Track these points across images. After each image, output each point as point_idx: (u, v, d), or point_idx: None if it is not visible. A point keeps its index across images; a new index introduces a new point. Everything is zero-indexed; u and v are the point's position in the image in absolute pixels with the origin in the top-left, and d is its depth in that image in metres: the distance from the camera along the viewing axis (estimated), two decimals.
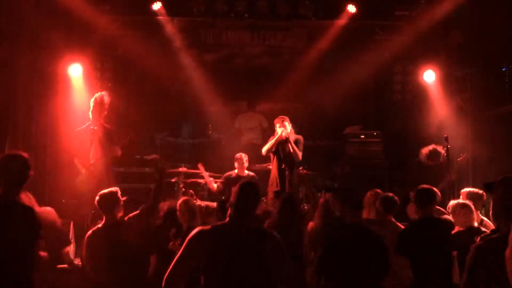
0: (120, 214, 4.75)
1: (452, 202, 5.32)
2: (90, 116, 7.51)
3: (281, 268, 3.35)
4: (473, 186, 6.87)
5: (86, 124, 7.54)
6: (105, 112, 7.62)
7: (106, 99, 7.57)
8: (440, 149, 7.87)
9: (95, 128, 7.51)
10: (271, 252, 3.31)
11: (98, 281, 4.53)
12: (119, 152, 7.60)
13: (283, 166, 7.89)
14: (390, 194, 5.40)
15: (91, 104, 7.55)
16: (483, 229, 5.04)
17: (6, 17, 7.34)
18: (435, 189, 5.05)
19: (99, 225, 4.72)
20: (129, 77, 10.74)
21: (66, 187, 8.43)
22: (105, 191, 4.78)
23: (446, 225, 4.93)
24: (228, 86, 10.87)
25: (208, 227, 3.38)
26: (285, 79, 10.72)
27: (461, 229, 5.10)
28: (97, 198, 4.74)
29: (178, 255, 3.31)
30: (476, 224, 5.16)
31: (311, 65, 10.72)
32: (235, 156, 8.60)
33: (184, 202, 5.64)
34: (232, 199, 3.49)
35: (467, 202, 5.25)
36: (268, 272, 3.28)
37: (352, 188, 4.86)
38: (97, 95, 7.59)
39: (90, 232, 4.69)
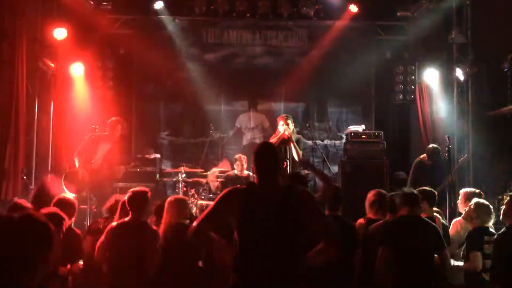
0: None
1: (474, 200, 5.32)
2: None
3: (316, 223, 3.32)
4: (474, 186, 6.89)
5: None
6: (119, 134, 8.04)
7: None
8: (439, 148, 7.90)
9: (97, 127, 7.62)
10: (302, 208, 3.28)
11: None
12: (121, 172, 8.05)
13: (284, 165, 7.88)
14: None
15: (114, 125, 7.94)
16: (492, 229, 5.07)
17: (8, 16, 7.34)
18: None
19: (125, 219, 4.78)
20: (130, 76, 10.74)
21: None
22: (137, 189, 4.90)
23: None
24: (229, 86, 10.86)
25: (238, 187, 3.50)
26: (286, 79, 10.71)
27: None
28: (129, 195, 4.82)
29: (208, 210, 3.38)
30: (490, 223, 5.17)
31: (312, 65, 10.71)
32: (235, 157, 8.64)
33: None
34: (253, 166, 3.49)
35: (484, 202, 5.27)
36: (302, 228, 3.26)
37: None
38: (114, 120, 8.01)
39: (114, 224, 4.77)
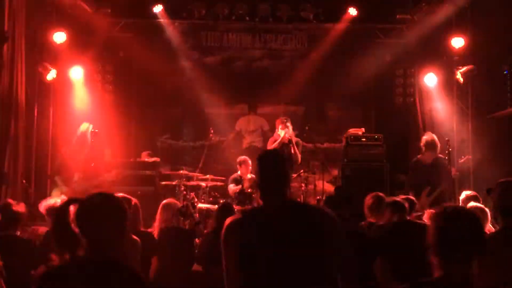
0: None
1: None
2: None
3: (335, 249, 2.64)
4: (474, 189, 6.86)
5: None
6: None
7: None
8: (436, 139, 7.80)
9: (96, 130, 7.56)
10: (318, 231, 2.61)
11: None
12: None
13: None
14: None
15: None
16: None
17: (8, 19, 7.33)
18: None
19: None
20: (130, 80, 10.75)
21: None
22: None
23: None
24: (229, 89, 10.87)
25: (239, 215, 2.77)
26: (286, 82, 10.71)
27: None
28: None
29: (223, 261, 2.72)
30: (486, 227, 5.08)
31: (312, 68, 10.72)
32: (241, 159, 8.62)
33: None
34: (256, 178, 2.90)
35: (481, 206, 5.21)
36: (316, 256, 2.58)
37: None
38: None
39: None
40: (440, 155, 7.89)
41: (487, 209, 5.12)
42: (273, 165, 2.83)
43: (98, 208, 2.45)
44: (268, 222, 2.65)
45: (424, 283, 2.33)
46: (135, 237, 4.48)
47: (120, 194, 4.63)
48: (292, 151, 7.91)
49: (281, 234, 2.60)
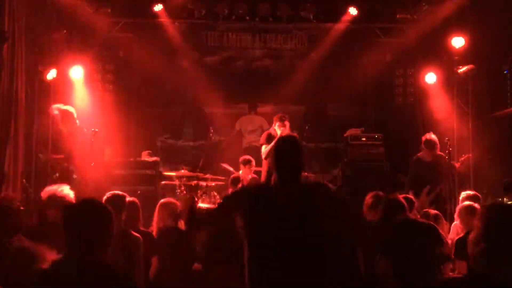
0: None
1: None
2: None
3: (341, 229, 2.89)
4: (474, 189, 6.86)
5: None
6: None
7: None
8: (435, 138, 7.82)
9: (97, 130, 7.56)
10: (326, 210, 2.81)
11: None
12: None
13: None
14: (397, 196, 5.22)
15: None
16: None
17: (8, 19, 7.33)
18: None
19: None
20: (130, 80, 10.75)
21: None
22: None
23: None
24: (229, 89, 10.88)
25: (252, 187, 3.03)
26: (286, 81, 10.72)
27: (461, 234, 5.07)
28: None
29: (218, 206, 3.02)
30: None
31: (312, 68, 10.73)
32: (245, 159, 8.60)
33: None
34: (271, 161, 3.05)
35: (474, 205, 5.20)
36: (325, 234, 2.79)
37: None
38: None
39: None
40: (440, 153, 7.89)
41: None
42: (292, 150, 3.00)
43: (81, 214, 2.59)
44: (280, 202, 2.81)
45: (474, 276, 2.34)
46: (136, 234, 4.46)
47: (116, 192, 4.64)
48: None
49: (290, 215, 2.77)
